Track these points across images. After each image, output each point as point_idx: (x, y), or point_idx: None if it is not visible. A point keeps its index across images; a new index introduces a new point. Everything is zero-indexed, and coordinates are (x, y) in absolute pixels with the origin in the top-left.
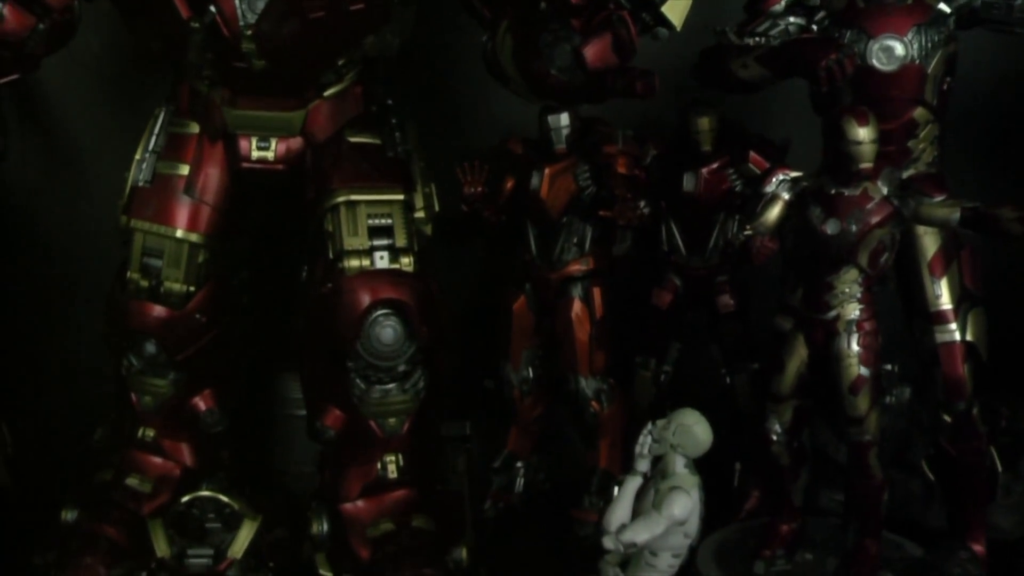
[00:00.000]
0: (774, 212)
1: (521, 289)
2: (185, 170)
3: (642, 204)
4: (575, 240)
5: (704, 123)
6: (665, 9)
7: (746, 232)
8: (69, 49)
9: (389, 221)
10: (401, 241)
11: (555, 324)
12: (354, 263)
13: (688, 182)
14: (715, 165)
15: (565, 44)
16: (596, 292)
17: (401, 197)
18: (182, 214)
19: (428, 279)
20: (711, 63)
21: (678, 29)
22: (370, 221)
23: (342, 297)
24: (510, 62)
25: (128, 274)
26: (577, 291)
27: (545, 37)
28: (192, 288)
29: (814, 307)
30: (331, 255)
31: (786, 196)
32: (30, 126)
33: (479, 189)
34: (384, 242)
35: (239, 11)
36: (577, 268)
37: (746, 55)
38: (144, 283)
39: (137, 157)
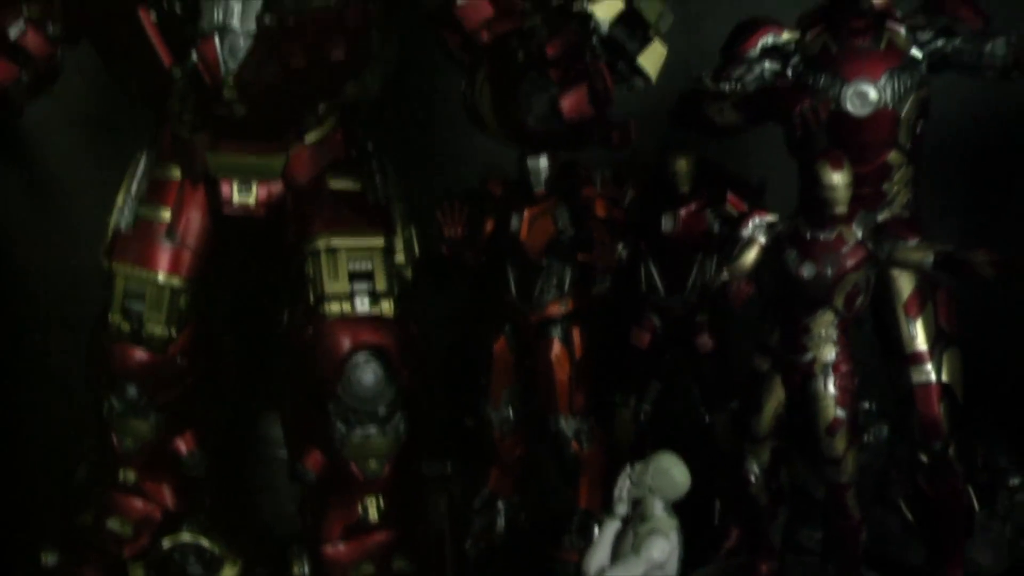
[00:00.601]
0: (750, 256)
1: (501, 330)
2: (167, 215)
3: (620, 247)
4: (555, 282)
5: (681, 165)
6: (640, 60)
7: (723, 276)
8: (51, 89)
9: (369, 266)
10: (381, 286)
11: (535, 365)
12: (335, 307)
13: (666, 223)
14: (693, 206)
15: (543, 94)
16: (576, 333)
17: (381, 243)
18: (163, 258)
19: (408, 323)
20: (688, 108)
21: (653, 81)
22: (351, 266)
23: (323, 341)
24: (489, 110)
25: (110, 317)
26: (557, 332)
27: (523, 87)
28: (173, 331)
29: (791, 349)
30: (312, 299)
31: (762, 240)
32: (12, 166)
33: (459, 231)
34: (364, 287)
35: (220, 58)
36: (557, 310)
37: (722, 101)
38: (125, 326)
39: (119, 202)
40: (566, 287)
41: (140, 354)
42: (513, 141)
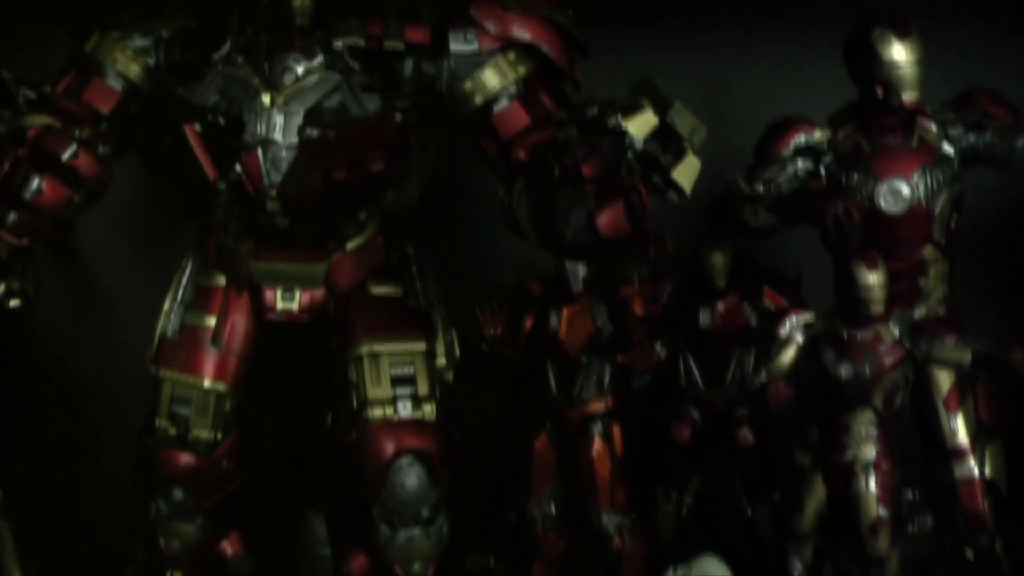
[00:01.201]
0: (788, 356)
1: (542, 427)
2: (212, 321)
3: (658, 347)
4: (594, 379)
5: (717, 259)
6: (675, 174)
7: (761, 378)
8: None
9: (411, 370)
10: (423, 390)
11: (576, 462)
12: (378, 412)
13: (704, 317)
14: (730, 300)
15: (580, 208)
16: (616, 430)
17: (423, 347)
18: (209, 364)
19: (450, 425)
20: (723, 211)
21: (688, 195)
22: (393, 371)
23: (367, 446)
24: (527, 222)
25: (157, 422)
26: (598, 429)
27: (560, 201)
28: (219, 435)
29: (831, 448)
30: (355, 404)
31: (799, 339)
32: (61, 272)
33: (499, 330)
34: (407, 391)
35: (264, 170)
36: (597, 406)
37: (756, 203)
38: (172, 430)
39: (165, 308)
40: (606, 384)
41: (186, 458)
42: (550, 252)
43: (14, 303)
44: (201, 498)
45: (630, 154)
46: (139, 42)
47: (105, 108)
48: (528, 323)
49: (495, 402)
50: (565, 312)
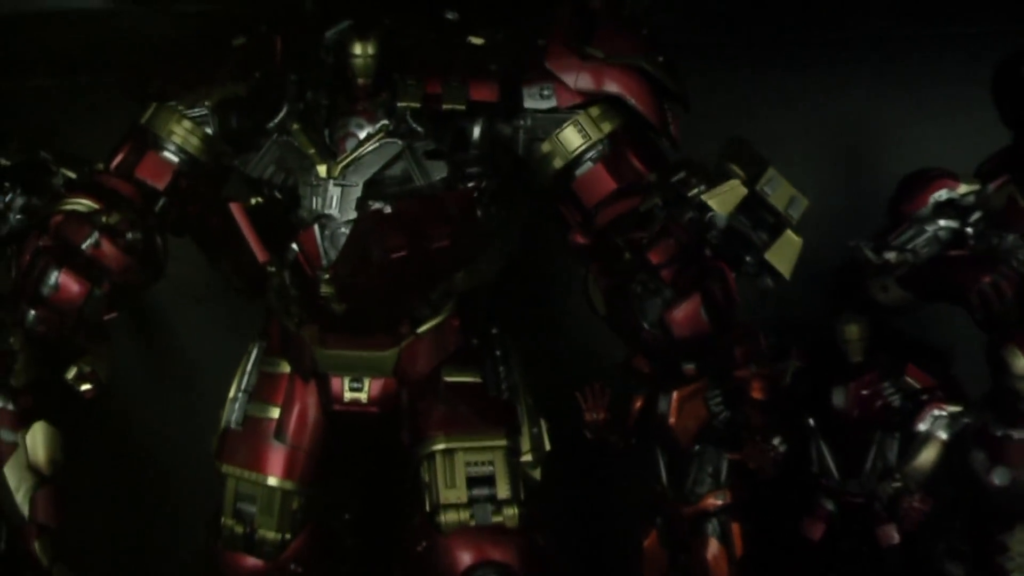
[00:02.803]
0: (929, 458)
1: (652, 523)
2: (275, 413)
3: (778, 442)
4: (710, 471)
5: (853, 331)
6: (770, 256)
7: (895, 483)
8: (173, 281)
9: (490, 469)
10: (504, 492)
11: (690, 564)
12: (452, 518)
13: (838, 397)
14: (867, 379)
15: (656, 298)
16: (735, 529)
17: (504, 443)
18: (273, 460)
19: (536, 532)
20: (845, 286)
21: (787, 278)
22: (469, 470)
23: (438, 558)
24: (602, 308)
25: (222, 520)
26: (713, 528)
27: (635, 288)
28: (287, 536)
29: (986, 570)
30: (428, 508)
31: (943, 436)
32: (144, 350)
33: (602, 415)
34: (485, 493)
35: (321, 249)
36: (713, 502)
37: (886, 276)
38: (239, 529)
39: (230, 395)
40: (723, 477)
41: (252, 563)
42: (630, 347)
43: (85, 387)
44: None
45: (714, 233)
46: (196, 112)
47: (160, 184)
48: (637, 404)
49: (593, 500)
50: (675, 396)
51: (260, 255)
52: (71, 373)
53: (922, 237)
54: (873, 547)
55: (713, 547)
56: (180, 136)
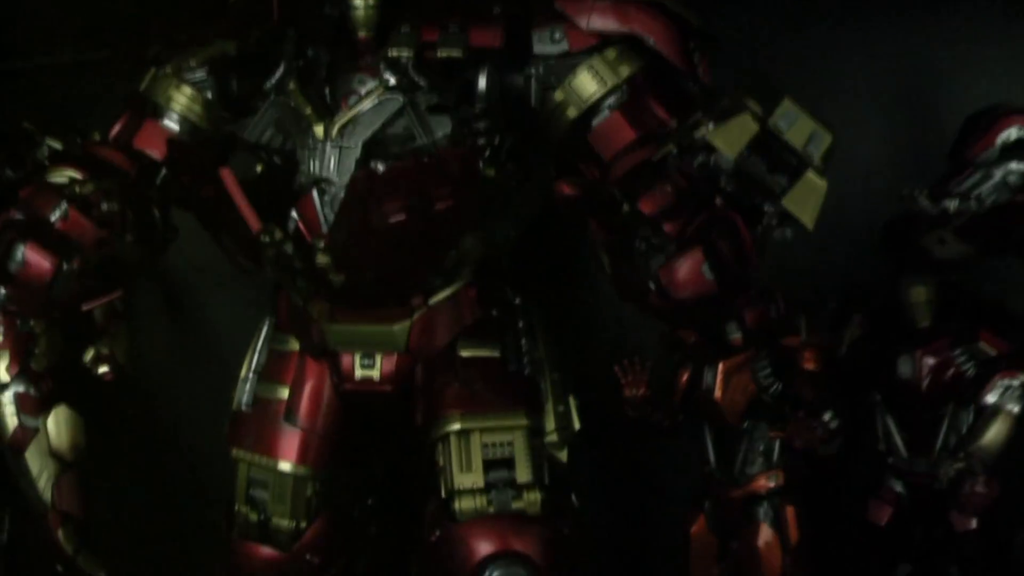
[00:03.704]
0: (998, 434)
1: (700, 508)
2: (285, 393)
3: (828, 417)
4: (760, 449)
5: (919, 293)
6: (787, 202)
7: (957, 464)
8: (197, 261)
9: (509, 452)
10: (524, 476)
11: (740, 552)
12: (468, 504)
13: (904, 367)
14: (937, 345)
15: (660, 255)
16: (789, 513)
17: (524, 422)
18: (284, 444)
19: (560, 519)
20: (897, 239)
21: (810, 228)
22: (486, 453)
23: (452, 548)
24: (608, 271)
25: (236, 507)
26: (765, 513)
27: (638, 246)
28: (302, 524)
29: None
30: (443, 494)
31: (1015, 410)
32: (169, 332)
33: (642, 391)
34: (504, 477)
35: (321, 216)
36: (764, 484)
37: (942, 228)
38: (253, 516)
39: (241, 375)
40: (775, 456)
41: (265, 553)
42: (645, 313)
43: (103, 370)
44: None
45: (724, 178)
46: (195, 76)
47: (159, 153)
48: (683, 377)
49: (632, 484)
50: (720, 368)
51: (253, 224)
52: (88, 356)
53: (988, 183)
54: (947, 533)
55: (765, 533)
56: (180, 103)
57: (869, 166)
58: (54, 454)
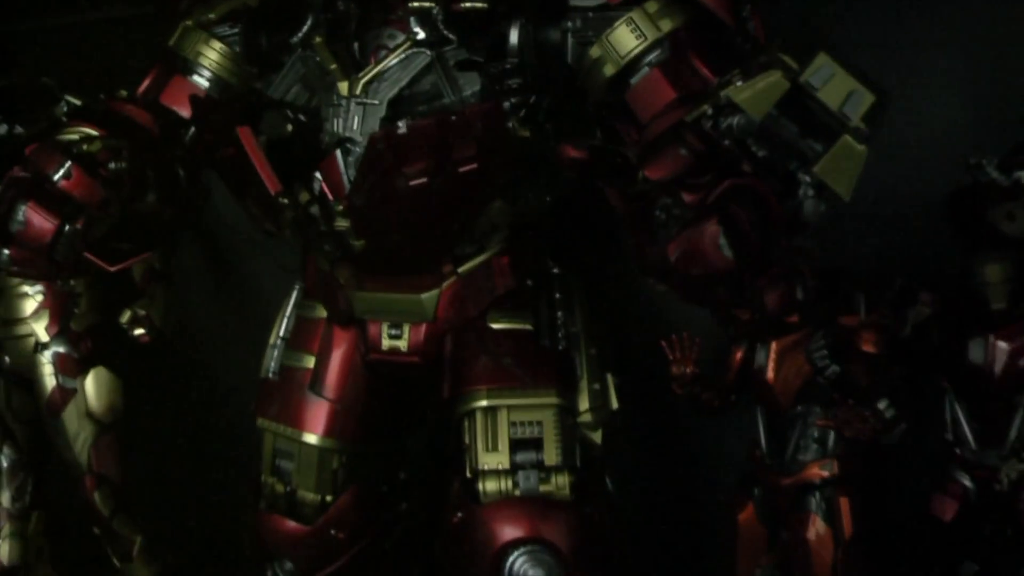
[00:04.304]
0: None
1: (748, 495)
2: (311, 362)
3: (883, 407)
4: (815, 435)
5: (994, 272)
6: (821, 171)
7: (1021, 465)
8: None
9: (538, 431)
10: (552, 458)
11: (790, 543)
12: (492, 486)
13: (975, 351)
14: (1012, 329)
15: (679, 227)
16: (843, 505)
17: (555, 400)
18: (309, 414)
19: (592, 505)
20: (962, 212)
21: (846, 198)
22: (514, 432)
23: (475, 532)
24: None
25: (263, 478)
26: (817, 504)
27: (658, 216)
28: (328, 498)
29: None
30: (468, 474)
31: None
32: (213, 296)
33: (690, 368)
34: (532, 458)
35: (345, 177)
36: (817, 473)
37: (1012, 201)
38: (280, 488)
39: (270, 341)
40: (830, 443)
41: (290, 527)
42: (665, 289)
43: (139, 332)
44: (309, 574)
45: (751, 142)
46: (225, 30)
47: (186, 110)
48: (737, 355)
49: (677, 468)
50: (774, 347)
51: (271, 186)
52: (125, 317)
53: None
54: (1017, 532)
55: (816, 525)
56: (209, 58)
57: (947, 130)
58: (91, 416)
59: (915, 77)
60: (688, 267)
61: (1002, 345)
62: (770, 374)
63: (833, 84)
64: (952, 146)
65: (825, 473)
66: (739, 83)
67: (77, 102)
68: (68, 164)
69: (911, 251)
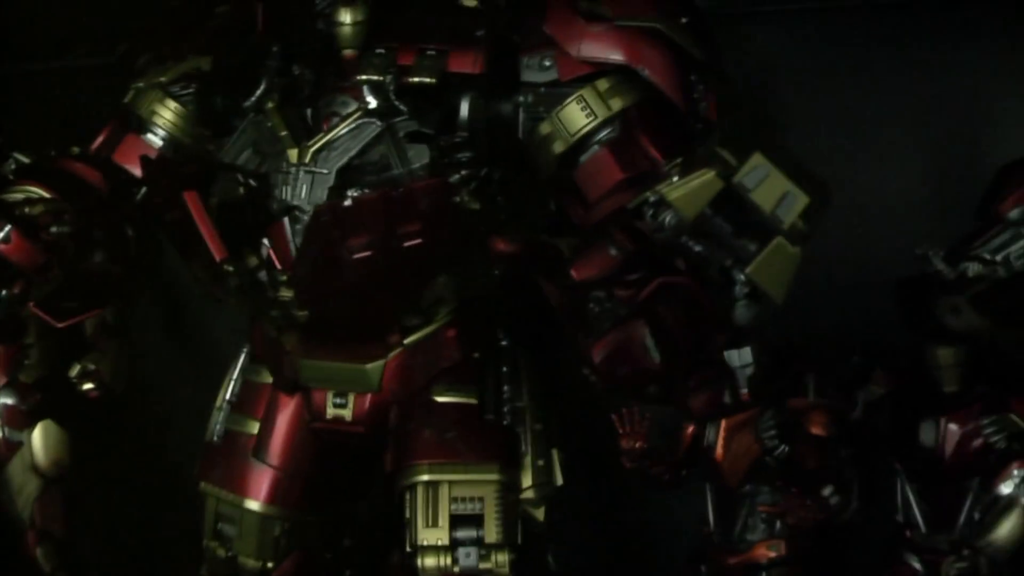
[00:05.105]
0: (1013, 530)
1: (696, 572)
2: (255, 427)
3: (828, 492)
4: (763, 516)
5: (946, 356)
6: (753, 272)
7: (959, 564)
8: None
9: (479, 508)
10: (493, 535)
11: None
12: (431, 562)
13: (927, 434)
14: (964, 413)
15: (606, 324)
16: None
17: (497, 476)
18: (252, 480)
19: None
20: (909, 304)
21: (778, 301)
22: (454, 508)
23: None
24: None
25: (204, 542)
26: None
27: (592, 309)
28: (269, 564)
29: None
30: (408, 548)
31: None
32: (166, 351)
33: (639, 444)
34: (471, 535)
35: (292, 246)
36: (763, 553)
37: (958, 295)
38: (221, 552)
39: (216, 404)
40: (778, 524)
41: None
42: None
43: (88, 386)
44: None
45: (685, 240)
46: (181, 90)
47: (139, 170)
48: (688, 430)
49: (623, 543)
50: (723, 425)
51: (217, 252)
52: (74, 371)
53: (1017, 244)
54: None
55: None
56: (164, 118)
57: (904, 210)
58: (37, 470)
59: (873, 150)
60: (614, 367)
61: (953, 428)
62: (719, 451)
63: (767, 185)
64: (910, 219)
65: (772, 554)
66: (675, 179)
67: (25, 160)
68: (8, 228)
69: (869, 321)
